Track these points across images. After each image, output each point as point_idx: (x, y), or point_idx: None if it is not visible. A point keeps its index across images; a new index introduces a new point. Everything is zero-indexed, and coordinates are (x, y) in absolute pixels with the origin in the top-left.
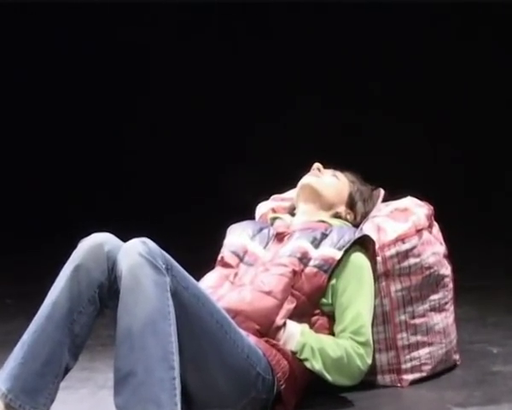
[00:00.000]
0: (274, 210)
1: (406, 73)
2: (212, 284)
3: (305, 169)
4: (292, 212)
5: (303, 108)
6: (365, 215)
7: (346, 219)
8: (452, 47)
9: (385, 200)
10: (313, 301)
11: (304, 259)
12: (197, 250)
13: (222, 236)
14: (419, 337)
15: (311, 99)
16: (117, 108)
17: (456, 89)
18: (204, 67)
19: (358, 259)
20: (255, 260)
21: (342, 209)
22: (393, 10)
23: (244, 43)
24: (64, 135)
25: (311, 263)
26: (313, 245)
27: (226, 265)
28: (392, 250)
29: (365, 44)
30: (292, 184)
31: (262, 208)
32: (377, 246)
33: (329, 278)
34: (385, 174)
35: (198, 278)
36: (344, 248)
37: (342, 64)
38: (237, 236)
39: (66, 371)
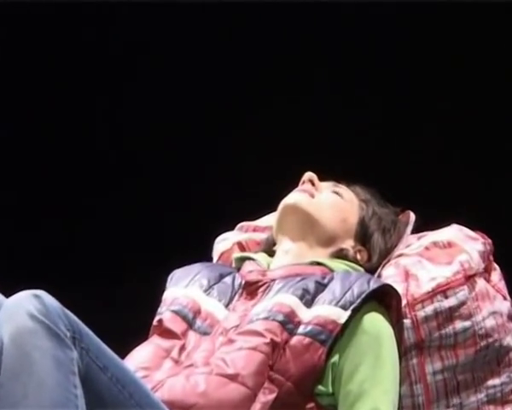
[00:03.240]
0: (242, 246)
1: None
2: (146, 364)
3: (291, 182)
4: (270, 249)
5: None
6: (386, 254)
7: (356, 261)
8: None
9: (417, 229)
10: (304, 389)
11: (289, 324)
12: (123, 308)
13: (161, 287)
14: None
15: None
16: None
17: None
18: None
19: (375, 323)
20: (212, 326)
21: (349, 245)
22: None
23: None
24: None
25: (301, 330)
26: (303, 302)
27: (167, 333)
28: (429, 309)
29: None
30: (269, 205)
31: (223, 244)
32: (404, 302)
33: (329, 354)
34: (415, 188)
35: (124, 354)
36: (352, 307)
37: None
38: (184, 287)
39: None
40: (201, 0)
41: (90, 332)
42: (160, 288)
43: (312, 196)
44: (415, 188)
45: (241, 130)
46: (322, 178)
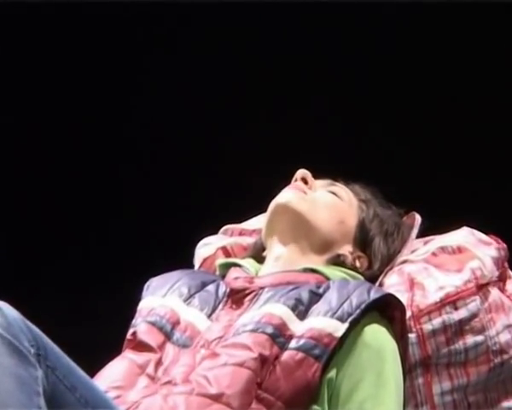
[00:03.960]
0: (227, 252)
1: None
2: (119, 382)
3: (282, 181)
4: (258, 255)
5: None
6: (388, 260)
7: (355, 268)
8: None
9: (423, 233)
10: (296, 409)
11: (279, 337)
12: (93, 321)
13: (136, 296)
14: None
15: None
16: None
17: None
18: None
19: (376, 336)
20: (192, 338)
21: (347, 250)
22: None
23: None
24: None
25: (293, 344)
26: (296, 313)
27: (141, 346)
28: (437, 322)
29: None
30: (258, 206)
31: (205, 249)
32: (409, 314)
33: (325, 370)
34: (421, 188)
35: (94, 371)
36: (350, 319)
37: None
38: (162, 297)
39: None
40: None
41: (57, 348)
42: (135, 297)
43: (305, 194)
44: (421, 187)
45: (225, 128)
46: (317, 177)
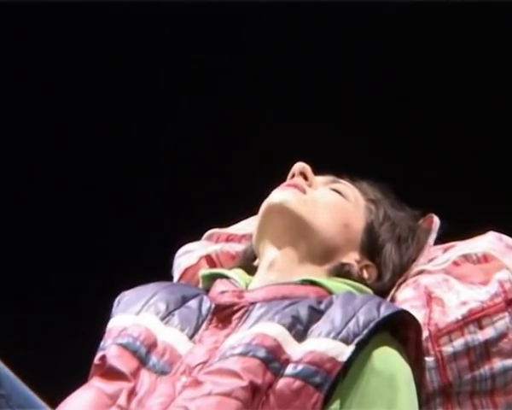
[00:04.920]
0: (211, 261)
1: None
2: None
3: (276, 176)
4: (249, 264)
5: None
6: (401, 270)
7: (362, 279)
8: None
9: (443, 238)
10: None
11: (274, 361)
12: (55, 343)
13: (105, 314)
14: None
15: None
16: None
17: None
18: None
19: (387, 361)
20: (172, 363)
21: (353, 258)
22: None
23: None
24: None
25: (290, 370)
26: (293, 333)
27: (112, 373)
28: (458, 343)
29: None
30: (248, 206)
31: (186, 258)
32: (426, 334)
33: (327, 401)
34: (440, 186)
35: (56, 402)
36: (357, 340)
37: None
38: (135, 314)
39: None
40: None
41: (12, 375)
42: (104, 315)
43: (304, 192)
44: (439, 185)
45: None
46: (317, 172)
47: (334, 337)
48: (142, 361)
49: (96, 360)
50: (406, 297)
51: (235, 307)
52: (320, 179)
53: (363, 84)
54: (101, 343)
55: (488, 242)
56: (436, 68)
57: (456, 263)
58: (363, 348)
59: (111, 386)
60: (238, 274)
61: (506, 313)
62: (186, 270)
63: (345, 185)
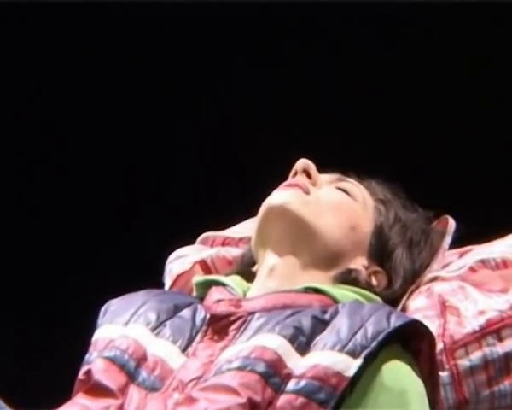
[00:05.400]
0: (206, 266)
1: None
2: None
3: (277, 174)
4: (247, 270)
5: None
6: (413, 277)
7: (370, 286)
8: None
9: (458, 242)
10: None
11: (274, 376)
12: (37, 357)
13: (90, 324)
14: None
15: None
16: None
17: None
18: None
19: (398, 376)
20: (163, 379)
21: (360, 264)
22: None
23: None
24: None
25: (292, 386)
26: (295, 346)
27: (98, 390)
28: (476, 356)
29: None
30: (246, 208)
31: (179, 263)
32: (440, 347)
33: None
34: (456, 185)
35: None
36: (365, 353)
37: None
38: (123, 325)
39: None
40: None
41: None
42: (89, 326)
43: (307, 192)
44: (455, 184)
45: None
46: (322, 170)
47: (340, 350)
48: (131, 376)
49: (81, 375)
50: (418, 306)
51: (232, 318)
52: (325, 177)
53: (375, 75)
54: (86, 357)
55: (508, 246)
56: (455, 65)
57: (472, 269)
58: (372, 361)
59: (97, 403)
60: (235, 281)
61: None
62: (178, 276)
63: (352, 184)
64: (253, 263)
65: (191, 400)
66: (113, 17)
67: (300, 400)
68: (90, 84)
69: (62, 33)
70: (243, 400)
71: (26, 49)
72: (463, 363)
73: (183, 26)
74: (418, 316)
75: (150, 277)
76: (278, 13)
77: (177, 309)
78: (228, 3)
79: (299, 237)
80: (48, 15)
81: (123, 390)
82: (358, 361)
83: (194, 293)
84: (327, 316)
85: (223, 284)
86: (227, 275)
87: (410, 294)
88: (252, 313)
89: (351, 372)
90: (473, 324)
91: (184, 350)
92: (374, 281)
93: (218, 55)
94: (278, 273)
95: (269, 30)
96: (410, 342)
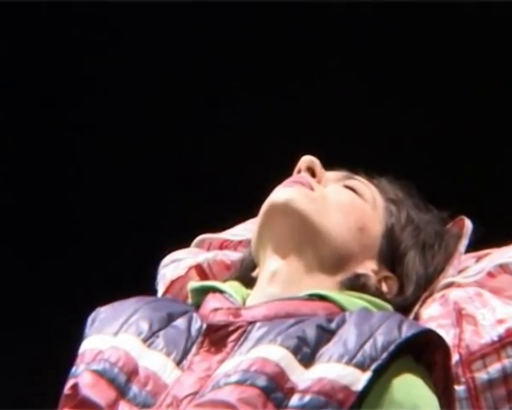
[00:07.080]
0: (203, 271)
1: None
2: None
3: (279, 172)
4: (247, 276)
5: None
6: (427, 283)
7: (380, 293)
8: None
9: (475, 245)
10: None
11: (276, 391)
12: (20, 370)
13: (77, 335)
14: None
15: None
16: None
17: None
18: None
19: (410, 390)
20: (156, 394)
21: (369, 268)
22: None
23: None
24: None
25: (295, 402)
26: (299, 358)
27: (85, 406)
28: (494, 369)
29: None
30: (245, 208)
31: (173, 268)
32: (456, 358)
33: None
34: (472, 185)
35: None
36: (374, 366)
37: None
38: (112, 335)
39: None
40: None
41: None
42: (76, 335)
43: (313, 190)
44: (472, 183)
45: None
46: (328, 167)
47: (348, 362)
48: (121, 391)
49: (67, 390)
50: (432, 315)
51: (231, 328)
52: (331, 175)
53: (388, 66)
54: (73, 369)
55: None
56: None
57: (491, 274)
58: (382, 375)
59: None
60: (234, 288)
61: None
62: (172, 282)
63: (360, 182)
64: (254, 267)
65: None
66: (120, 22)
67: None
68: (91, 93)
69: (63, 33)
70: None
71: (27, 49)
72: (481, 376)
73: (189, 31)
74: (432, 325)
75: (142, 282)
76: (278, 13)
77: (171, 318)
78: (227, 5)
79: (303, 236)
80: (48, 15)
81: (112, 407)
82: (367, 374)
83: (190, 300)
84: (333, 325)
85: (220, 291)
86: (225, 281)
87: (424, 301)
88: (252, 323)
89: (359, 386)
90: (491, 334)
91: (179, 363)
92: (384, 287)
93: (218, 55)
94: (281, 278)
95: (269, 29)
96: (424, 353)
